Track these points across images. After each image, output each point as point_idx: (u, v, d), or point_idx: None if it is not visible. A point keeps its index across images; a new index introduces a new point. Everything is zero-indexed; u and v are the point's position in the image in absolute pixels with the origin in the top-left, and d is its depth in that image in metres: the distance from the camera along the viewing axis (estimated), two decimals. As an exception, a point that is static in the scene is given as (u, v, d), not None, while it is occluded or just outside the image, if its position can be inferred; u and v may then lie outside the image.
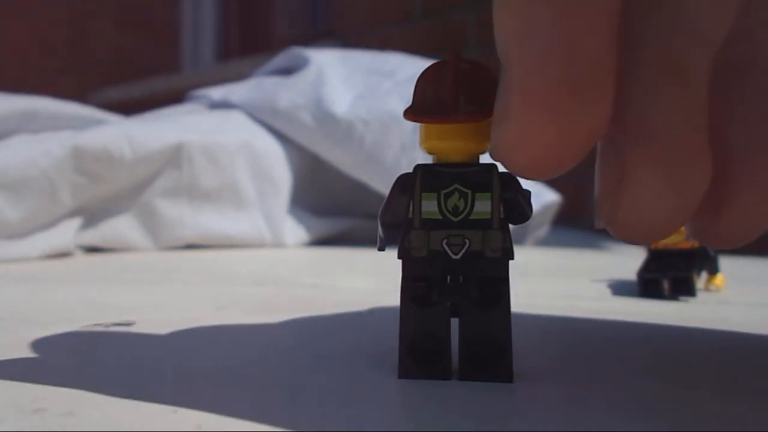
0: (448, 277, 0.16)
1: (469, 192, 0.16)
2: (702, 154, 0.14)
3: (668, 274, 0.31)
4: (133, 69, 2.08)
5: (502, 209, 0.16)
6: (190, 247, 0.56)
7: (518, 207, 0.16)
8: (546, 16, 0.13)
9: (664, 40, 0.13)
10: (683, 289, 0.31)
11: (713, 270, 0.34)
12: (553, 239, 0.71)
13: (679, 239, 0.34)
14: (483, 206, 0.16)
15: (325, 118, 0.63)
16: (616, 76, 0.13)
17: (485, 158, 0.17)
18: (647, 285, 0.32)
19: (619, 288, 0.34)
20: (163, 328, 0.22)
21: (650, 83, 0.14)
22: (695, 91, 0.14)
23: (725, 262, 0.35)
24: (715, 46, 0.14)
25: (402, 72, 0.68)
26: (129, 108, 0.85)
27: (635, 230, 0.15)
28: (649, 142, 0.14)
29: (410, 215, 0.16)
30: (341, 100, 0.64)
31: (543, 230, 0.69)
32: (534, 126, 0.13)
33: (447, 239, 0.16)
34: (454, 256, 0.16)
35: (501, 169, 0.16)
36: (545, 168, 0.14)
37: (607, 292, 0.33)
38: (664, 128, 0.14)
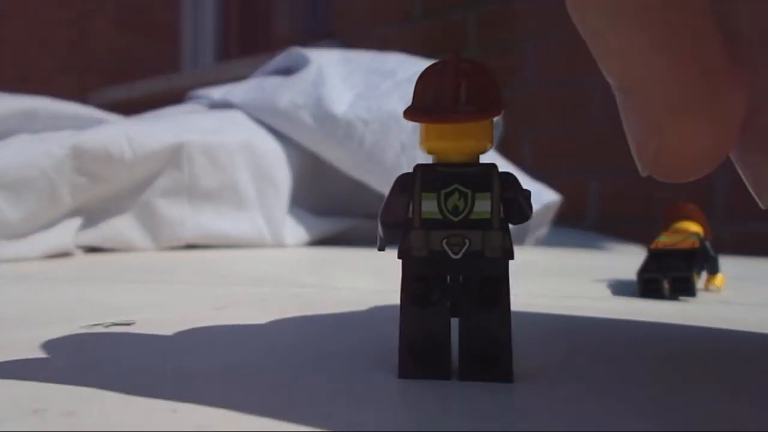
0: (448, 277, 0.16)
1: (469, 192, 0.16)
2: (732, 78, 0.15)
3: (668, 274, 0.31)
4: (133, 69, 2.08)
5: (502, 209, 0.16)
6: (190, 247, 0.56)
7: (518, 207, 0.16)
8: (662, 33, 0.14)
9: None
10: (683, 289, 0.31)
11: (713, 270, 0.34)
12: (553, 239, 0.71)
13: (679, 239, 0.34)
14: (483, 206, 0.16)
15: (325, 117, 0.63)
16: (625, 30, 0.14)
17: (485, 158, 0.17)
18: (647, 285, 0.32)
19: (619, 288, 0.34)
20: (163, 328, 0.22)
21: (659, 32, 0.14)
22: (698, 14, 0.14)
23: (725, 262, 0.35)
24: None
25: (402, 72, 0.68)
26: (129, 108, 0.85)
27: (683, 169, 0.16)
28: (682, 89, 0.15)
29: (410, 215, 0.16)
30: (341, 100, 0.64)
31: (543, 230, 0.69)
32: (692, 132, 0.14)
33: (447, 239, 0.16)
34: (454, 256, 0.16)
35: (500, 169, 0.16)
36: (709, 163, 0.15)
37: (607, 292, 0.33)
38: (692, 73, 0.14)
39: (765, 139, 0.16)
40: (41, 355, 0.18)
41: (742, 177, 0.17)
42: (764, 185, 0.16)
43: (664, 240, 0.34)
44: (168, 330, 0.21)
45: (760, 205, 0.17)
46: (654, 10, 0.14)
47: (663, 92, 0.14)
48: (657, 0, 0.14)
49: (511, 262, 0.16)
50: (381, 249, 0.17)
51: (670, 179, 0.16)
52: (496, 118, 0.16)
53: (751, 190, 0.16)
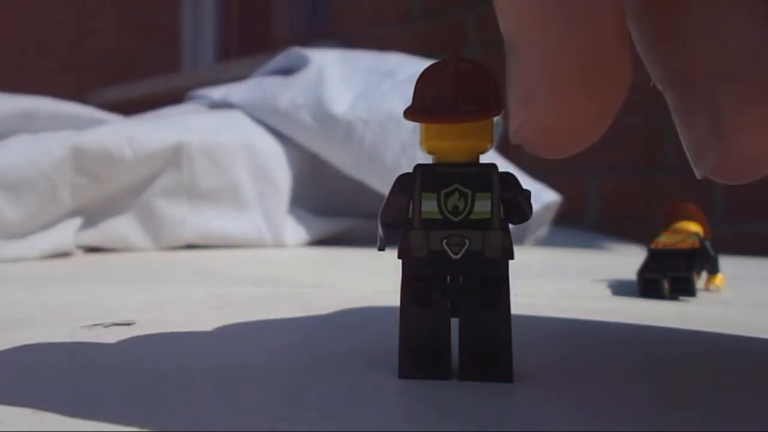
0: (448, 277, 0.16)
1: (469, 192, 0.16)
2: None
3: (668, 274, 0.31)
4: (133, 69, 2.09)
5: (502, 209, 0.16)
6: (190, 247, 0.56)
7: (518, 207, 0.16)
8: (559, 1, 0.13)
9: None
10: (683, 289, 0.31)
11: (713, 270, 0.34)
12: (553, 239, 0.71)
13: (679, 239, 0.34)
14: (483, 206, 0.16)
15: (325, 118, 0.63)
16: (675, 22, 0.14)
17: (485, 158, 0.17)
18: (647, 285, 0.32)
19: (619, 288, 0.34)
20: (163, 328, 0.22)
21: (715, 20, 0.14)
22: (757, 13, 0.14)
23: (725, 262, 0.35)
24: None
25: (402, 72, 0.68)
26: (129, 108, 0.85)
27: (752, 169, 0.15)
28: (742, 80, 0.14)
29: (410, 215, 0.16)
30: (341, 100, 0.64)
31: (543, 230, 0.69)
32: (564, 108, 0.13)
33: (447, 239, 0.16)
34: (454, 256, 0.16)
35: (500, 169, 0.16)
36: (576, 144, 0.14)
37: (607, 292, 0.33)
38: (750, 63, 0.14)
39: (700, 109, 0.15)
40: (41, 355, 0.18)
41: (685, 149, 0.16)
42: (701, 155, 0.15)
43: (664, 240, 0.34)
44: (168, 330, 0.21)
45: (696, 174, 0.16)
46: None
47: (545, 61, 0.13)
48: None
49: (511, 262, 0.16)
50: (381, 249, 0.17)
51: (541, 153, 0.15)
52: (496, 118, 0.16)
53: (690, 160, 0.16)
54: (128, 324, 0.23)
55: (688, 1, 0.14)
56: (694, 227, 0.36)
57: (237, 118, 0.65)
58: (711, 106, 0.14)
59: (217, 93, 0.72)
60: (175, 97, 0.84)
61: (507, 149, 0.76)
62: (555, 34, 0.13)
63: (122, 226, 0.53)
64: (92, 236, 0.51)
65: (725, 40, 0.14)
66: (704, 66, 0.14)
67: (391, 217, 0.17)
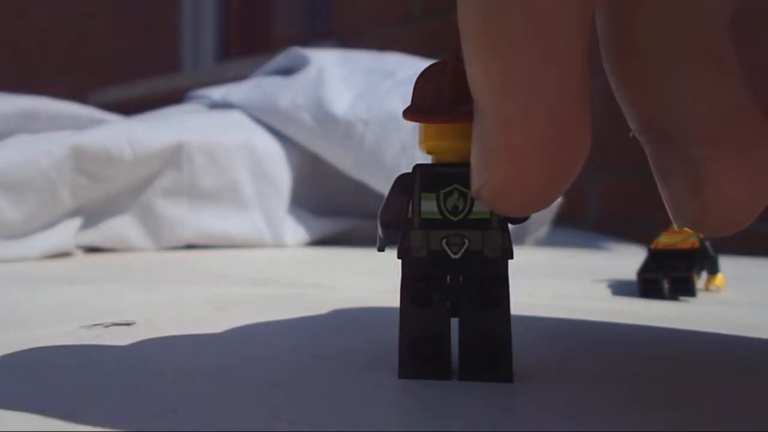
0: (448, 277, 0.16)
1: (469, 192, 0.16)
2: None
3: (668, 274, 0.31)
4: (133, 69, 2.09)
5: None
6: (190, 247, 0.56)
7: (518, 207, 0.16)
8: (523, 73, 0.13)
9: (683, 28, 0.14)
10: (683, 289, 0.31)
11: (713, 270, 0.34)
12: (553, 239, 0.71)
13: (679, 239, 0.34)
14: (482, 206, 0.16)
15: (324, 118, 0.63)
16: (652, 77, 0.13)
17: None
18: (647, 285, 0.32)
19: (619, 288, 0.34)
20: (163, 328, 0.22)
21: (692, 79, 0.14)
22: (734, 73, 0.14)
23: (725, 262, 0.35)
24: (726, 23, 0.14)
25: (402, 72, 0.68)
26: (129, 108, 0.85)
27: (730, 225, 0.15)
28: (719, 139, 0.14)
29: (409, 215, 0.16)
30: (341, 100, 0.64)
31: (543, 230, 0.69)
32: (523, 176, 0.13)
33: (446, 239, 0.16)
34: (453, 256, 0.16)
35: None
36: (537, 206, 0.14)
37: (607, 292, 0.33)
38: (727, 121, 0.14)
39: (677, 164, 0.15)
40: (41, 355, 0.18)
41: (664, 201, 0.16)
42: (679, 208, 0.15)
43: (664, 240, 0.34)
44: (168, 330, 0.21)
45: (674, 225, 0.16)
46: (516, 37, 0.12)
47: (506, 129, 0.13)
48: (525, 25, 0.12)
49: (510, 262, 0.16)
50: (381, 249, 0.18)
51: (503, 212, 0.15)
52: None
53: (668, 211, 0.16)
54: (128, 324, 0.23)
55: (666, 56, 0.14)
56: (694, 227, 0.36)
57: (237, 118, 0.65)
58: (688, 161, 0.15)
59: (217, 93, 0.72)
60: (175, 97, 0.84)
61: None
62: (517, 104, 0.13)
63: (122, 226, 0.52)
64: (92, 236, 0.51)
65: (703, 100, 0.14)
66: (681, 122, 0.14)
67: (391, 217, 0.17)
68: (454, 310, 0.16)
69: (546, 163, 0.13)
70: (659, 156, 0.15)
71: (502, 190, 0.14)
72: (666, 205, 0.16)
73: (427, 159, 0.17)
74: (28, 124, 0.54)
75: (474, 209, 0.16)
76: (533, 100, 0.13)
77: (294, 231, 0.61)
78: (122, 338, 0.20)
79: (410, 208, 0.16)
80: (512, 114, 0.13)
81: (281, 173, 0.62)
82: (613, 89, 0.16)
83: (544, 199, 0.14)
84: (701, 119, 0.14)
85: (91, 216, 0.51)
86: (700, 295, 0.32)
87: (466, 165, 0.16)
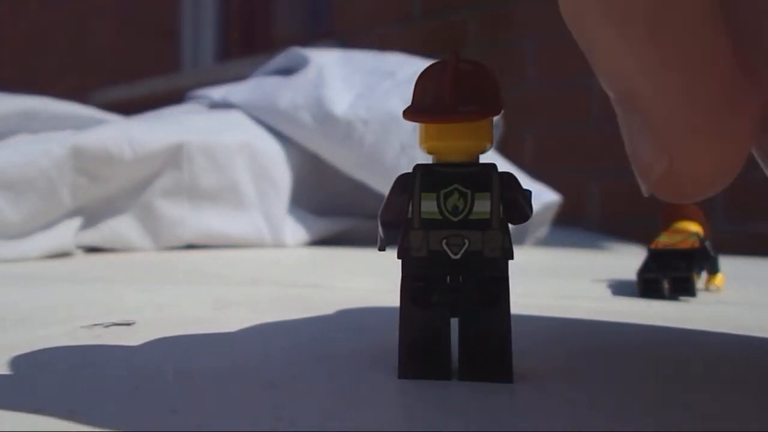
0: (448, 277, 0.16)
1: (469, 192, 0.16)
2: (745, 91, 0.14)
3: (668, 274, 0.31)
4: (133, 69, 2.09)
5: (501, 209, 0.16)
6: (190, 247, 0.56)
7: (518, 207, 0.16)
8: (673, 49, 0.13)
9: None
10: (683, 289, 0.31)
11: (713, 270, 0.34)
12: (553, 239, 0.71)
13: (679, 239, 0.34)
14: (482, 206, 0.16)
15: (325, 118, 0.63)
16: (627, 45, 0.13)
17: (485, 158, 0.17)
18: (647, 285, 0.32)
19: (619, 288, 0.34)
20: (163, 328, 0.22)
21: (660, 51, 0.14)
22: (710, 24, 0.14)
23: (725, 262, 0.35)
24: None
25: (402, 72, 0.68)
26: (129, 108, 0.85)
27: (690, 190, 0.15)
28: (685, 105, 0.14)
29: (410, 215, 0.16)
30: (341, 100, 0.64)
31: (543, 230, 0.69)
32: (709, 153, 0.14)
33: (446, 239, 0.16)
34: (453, 256, 0.16)
35: (500, 168, 0.16)
36: (719, 187, 0.14)
37: (607, 292, 0.33)
38: (692, 88, 0.14)
39: (640, 121, 0.15)
40: (41, 355, 0.18)
41: (632, 164, 0.16)
42: (646, 171, 0.15)
43: (664, 240, 0.34)
44: (168, 330, 0.21)
45: (642, 190, 0.16)
46: (665, 23, 0.13)
47: (673, 113, 0.13)
48: (667, 12, 0.12)
49: (510, 262, 0.16)
50: (381, 249, 0.17)
51: (676, 200, 0.15)
52: (496, 118, 0.16)
53: (636, 175, 0.16)
54: (128, 324, 0.23)
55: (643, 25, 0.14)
56: (693, 227, 0.36)
57: (237, 118, 0.65)
58: (655, 126, 0.14)
59: (217, 93, 0.72)
60: (175, 97, 0.84)
61: (507, 149, 0.76)
62: (682, 79, 0.13)
63: (122, 226, 0.52)
64: (92, 236, 0.51)
65: (671, 69, 0.14)
66: (650, 89, 0.14)
67: (391, 217, 0.17)
68: (454, 310, 0.16)
69: (723, 133, 0.13)
70: (628, 119, 0.15)
71: (686, 175, 0.14)
72: (634, 169, 0.16)
73: (427, 159, 0.17)
74: (28, 124, 0.54)
75: (474, 209, 0.16)
76: (691, 77, 0.13)
77: (294, 231, 0.61)
78: (122, 338, 0.20)
79: (410, 208, 0.16)
80: (679, 90, 0.13)
81: (281, 173, 0.62)
82: (587, 56, 0.16)
83: (727, 175, 0.14)
84: (668, 88, 0.14)
85: (91, 216, 0.51)
86: (700, 295, 0.32)
87: (466, 165, 0.16)
